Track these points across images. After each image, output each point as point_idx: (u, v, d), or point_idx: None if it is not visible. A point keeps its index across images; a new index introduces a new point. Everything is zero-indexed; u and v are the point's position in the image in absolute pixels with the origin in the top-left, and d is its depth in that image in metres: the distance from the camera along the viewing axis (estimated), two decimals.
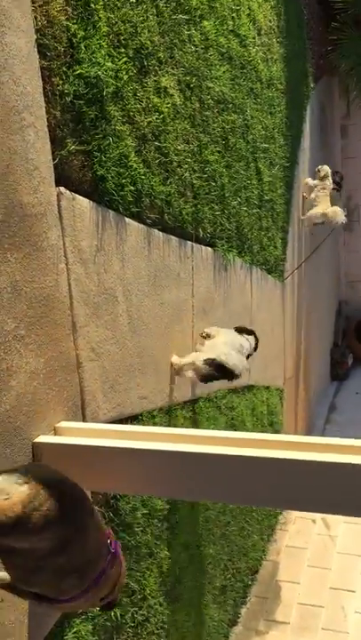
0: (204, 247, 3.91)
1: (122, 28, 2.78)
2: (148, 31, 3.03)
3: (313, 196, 6.62)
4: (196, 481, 2.14)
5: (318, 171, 6.64)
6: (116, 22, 2.74)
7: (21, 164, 2.09)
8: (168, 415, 3.45)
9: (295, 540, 5.73)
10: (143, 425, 3.07)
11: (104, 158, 2.62)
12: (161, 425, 3.30)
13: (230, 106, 4.30)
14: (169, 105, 3.27)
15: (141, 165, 2.97)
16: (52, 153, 2.29)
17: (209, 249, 4.01)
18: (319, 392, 8.44)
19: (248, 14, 4.76)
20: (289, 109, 5.98)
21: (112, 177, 2.69)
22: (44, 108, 2.23)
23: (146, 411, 3.15)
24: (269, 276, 5.60)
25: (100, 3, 2.58)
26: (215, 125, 4.01)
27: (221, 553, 4.40)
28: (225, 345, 3.56)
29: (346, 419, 8.16)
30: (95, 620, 2.65)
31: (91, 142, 2.54)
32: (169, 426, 3.41)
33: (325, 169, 6.62)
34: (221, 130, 4.13)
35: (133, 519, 2.97)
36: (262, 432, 5.27)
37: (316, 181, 6.65)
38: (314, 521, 5.86)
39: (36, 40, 2.18)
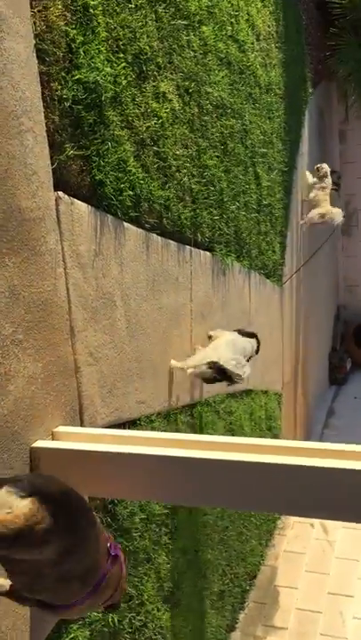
0: (202, 252, 3.91)
1: (121, 33, 2.79)
2: (147, 36, 3.04)
3: (312, 195, 6.58)
4: (194, 486, 2.13)
5: (318, 169, 6.58)
6: (115, 27, 2.75)
7: (20, 169, 2.09)
8: (166, 420, 3.44)
9: (293, 544, 5.72)
10: (141, 430, 3.06)
11: (103, 163, 2.62)
12: (159, 430, 3.30)
13: (229, 111, 4.31)
14: (168, 110, 3.27)
15: (140, 170, 2.97)
16: (51, 158, 2.29)
17: (207, 253, 4.01)
18: (318, 396, 8.43)
19: (247, 20, 4.77)
20: (287, 114, 6.00)
21: (111, 181, 2.69)
22: (42, 113, 2.23)
23: (144, 415, 3.15)
24: (268, 280, 5.61)
25: (99, 8, 2.59)
26: (214, 130, 4.02)
27: (220, 558, 4.39)
28: (228, 345, 3.59)
29: (344, 423, 8.16)
30: (92, 625, 2.64)
31: (89, 147, 2.54)
32: (167, 430, 3.41)
33: (325, 167, 6.55)
34: (220, 135, 4.14)
35: (131, 524, 2.96)
36: (260, 437, 5.26)
37: (315, 179, 6.61)
38: (312, 525, 5.85)
39: (35, 45, 2.19)
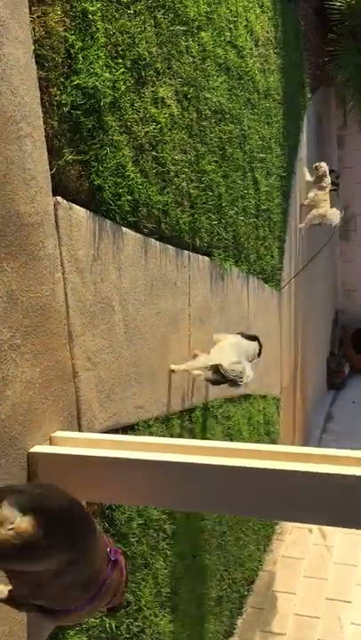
0: (200, 256, 3.91)
1: (120, 38, 2.80)
2: (146, 42, 3.05)
3: (311, 195, 6.56)
4: (192, 492, 2.13)
5: (316, 168, 6.53)
6: (114, 33, 2.76)
7: (18, 174, 2.09)
8: (164, 425, 3.44)
9: (291, 550, 5.71)
10: (139, 435, 3.06)
11: (101, 168, 2.63)
12: (157, 434, 3.29)
13: (228, 116, 4.32)
14: (166, 115, 3.28)
15: (139, 175, 2.98)
16: (50, 163, 2.30)
17: (206, 258, 4.01)
18: (316, 401, 8.43)
19: (245, 25, 4.79)
20: (286, 120, 6.01)
21: (109, 187, 2.70)
22: (41, 119, 2.24)
23: (142, 420, 3.15)
24: (266, 285, 5.61)
25: (98, 14, 2.60)
26: (212, 135, 4.03)
27: (217, 563, 4.38)
28: (232, 348, 3.63)
29: (343, 428, 8.15)
30: (90, 631, 2.63)
31: (88, 152, 2.54)
32: (165, 435, 3.41)
33: (323, 166, 6.50)
34: (219, 140, 4.15)
35: (129, 529, 2.96)
36: (259, 441, 5.26)
37: (312, 178, 6.58)
38: (310, 531, 5.84)
39: (34, 51, 2.19)
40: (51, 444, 2.30)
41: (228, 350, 3.62)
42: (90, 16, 2.53)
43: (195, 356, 3.66)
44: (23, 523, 1.63)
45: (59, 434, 2.34)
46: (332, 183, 6.87)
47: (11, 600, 1.91)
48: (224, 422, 4.50)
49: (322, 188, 6.50)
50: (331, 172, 6.94)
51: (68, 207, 2.42)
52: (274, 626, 4.90)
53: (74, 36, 2.43)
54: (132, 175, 2.90)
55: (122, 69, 2.80)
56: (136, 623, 3.05)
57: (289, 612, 5.00)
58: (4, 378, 2.04)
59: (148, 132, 3.06)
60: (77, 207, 2.49)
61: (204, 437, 4.04)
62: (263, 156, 5.24)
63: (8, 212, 2.04)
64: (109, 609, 2.13)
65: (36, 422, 2.23)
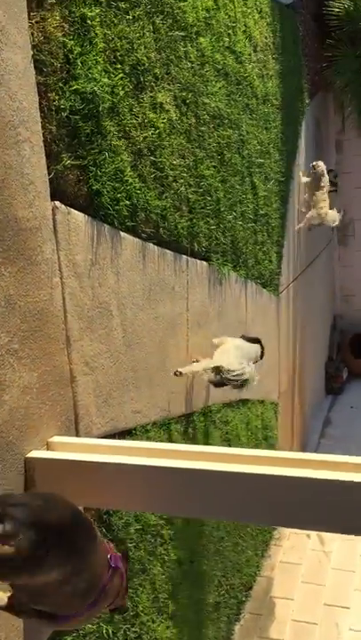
0: (199, 261, 3.91)
1: (118, 44, 2.80)
2: (145, 47, 3.06)
3: (305, 196, 6.50)
4: (190, 497, 2.12)
5: (313, 167, 6.41)
6: (113, 39, 2.76)
7: (17, 179, 2.09)
8: (162, 429, 3.43)
9: (289, 555, 5.69)
10: (137, 439, 3.05)
11: (99, 173, 2.63)
12: (155, 439, 3.29)
13: (226, 121, 4.33)
14: (165, 120, 3.29)
15: (137, 180, 2.98)
16: (48, 167, 2.30)
17: (204, 263, 4.01)
18: (314, 406, 8.42)
19: (244, 31, 4.81)
20: (284, 125, 6.03)
21: (107, 191, 2.70)
22: (39, 123, 2.24)
23: (140, 425, 3.14)
24: (264, 289, 5.61)
25: (97, 19, 2.61)
26: (211, 140, 4.04)
27: (215, 569, 4.37)
28: (236, 350, 3.67)
29: (341, 433, 8.14)
30: (87, 637, 2.62)
31: (86, 157, 2.55)
32: (163, 440, 3.40)
33: (320, 165, 6.39)
34: (217, 145, 4.15)
35: (126, 535, 2.95)
36: (257, 446, 5.25)
37: (308, 179, 6.54)
38: (308, 536, 5.82)
39: (33, 56, 2.20)
40: (48, 450, 2.30)
41: (232, 353, 3.67)
42: (88, 21, 2.54)
43: (195, 362, 3.69)
44: (27, 537, 1.63)
45: (56, 439, 2.33)
46: (332, 183, 6.82)
47: (10, 607, 1.92)
48: (222, 427, 4.49)
49: (320, 188, 6.43)
50: (329, 171, 6.90)
51: (66, 212, 2.42)
52: (272, 632, 4.88)
53: (72, 42, 2.43)
54: (131, 180, 2.90)
55: (120, 75, 2.80)
56: (133, 629, 3.04)
57: (287, 617, 4.99)
58: (1, 383, 2.03)
59: (146, 137, 3.07)
60: (75, 212, 2.49)
61: (202, 442, 4.03)
62: (262, 160, 5.25)
63: (6, 216, 2.04)
64: (112, 609, 2.16)
65: (34, 427, 2.22)
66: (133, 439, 3.03)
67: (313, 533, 5.78)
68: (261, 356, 4.09)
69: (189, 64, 3.65)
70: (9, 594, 1.90)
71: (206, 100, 3.93)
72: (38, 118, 2.23)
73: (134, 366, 3.04)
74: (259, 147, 5.18)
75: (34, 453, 2.20)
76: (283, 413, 6.53)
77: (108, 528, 2.79)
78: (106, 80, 2.66)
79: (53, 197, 2.35)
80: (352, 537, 5.24)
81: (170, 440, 3.51)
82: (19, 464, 2.14)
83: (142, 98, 3.05)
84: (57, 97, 2.36)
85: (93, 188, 2.60)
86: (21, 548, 1.61)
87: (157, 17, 3.21)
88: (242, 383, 3.65)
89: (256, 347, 4.03)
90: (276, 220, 5.84)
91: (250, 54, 4.94)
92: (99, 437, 2.69)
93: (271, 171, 5.59)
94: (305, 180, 6.58)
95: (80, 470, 2.18)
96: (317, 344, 8.64)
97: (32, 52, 2.19)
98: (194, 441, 3.92)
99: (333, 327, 9.70)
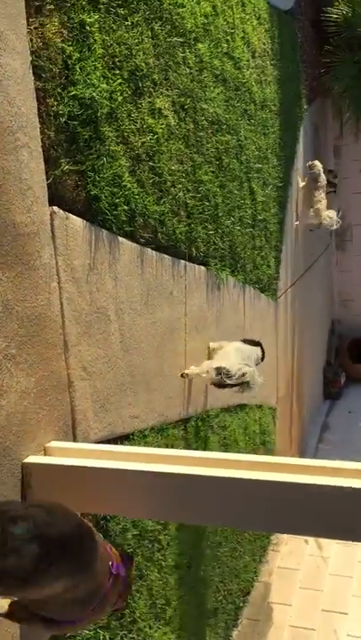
0: (197, 266, 3.92)
1: (117, 50, 2.81)
2: (143, 53, 3.07)
3: (302, 189, 6.48)
4: (188, 503, 2.12)
5: (310, 167, 6.39)
6: (112, 44, 2.77)
7: (15, 184, 2.10)
8: (160, 435, 3.43)
9: (287, 560, 5.68)
10: (135, 444, 3.05)
11: (98, 178, 2.63)
12: (153, 444, 3.28)
13: (224, 127, 4.34)
14: (163, 126, 3.29)
15: (135, 185, 2.99)
16: (46, 173, 2.30)
17: (202, 268, 4.02)
18: (312, 411, 8.42)
19: (242, 37, 4.83)
20: (282, 130, 6.04)
21: (106, 196, 2.71)
22: (38, 129, 2.24)
23: (137, 430, 3.13)
24: (262, 294, 5.62)
25: (96, 25, 2.62)
26: (209, 146, 4.05)
27: (213, 574, 4.36)
28: (236, 352, 3.71)
29: (339, 438, 8.13)
30: None
31: (85, 162, 2.55)
32: (161, 446, 3.40)
33: (317, 164, 6.36)
34: (215, 150, 4.16)
35: (124, 540, 2.94)
36: (254, 451, 5.24)
37: (304, 183, 6.52)
38: (306, 541, 5.81)
39: (32, 62, 2.20)
40: (45, 455, 2.29)
41: (232, 355, 3.70)
42: (87, 27, 2.55)
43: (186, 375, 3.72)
44: (30, 551, 1.62)
45: (53, 444, 2.33)
46: (331, 184, 6.80)
47: (11, 614, 1.92)
48: (220, 432, 4.49)
49: (317, 188, 6.41)
50: (329, 172, 6.88)
51: (64, 217, 2.43)
52: (269, 638, 4.87)
53: (71, 48, 2.44)
54: (129, 185, 2.91)
55: (119, 80, 2.81)
56: (130, 635, 3.03)
57: (285, 623, 4.97)
58: None
59: (144, 142, 3.07)
60: (74, 217, 2.50)
61: (199, 447, 4.02)
62: (260, 166, 5.26)
63: (4, 221, 2.04)
64: (113, 610, 2.19)
65: (31, 432, 2.22)
66: (131, 444, 3.03)
67: (311, 539, 5.77)
68: (262, 359, 4.12)
69: (188, 70, 3.66)
70: (10, 601, 1.90)
71: (205, 106, 3.95)
72: (37, 124, 2.24)
73: (132, 371, 3.03)
74: (257, 152, 5.19)
75: (31, 459, 2.19)
76: (281, 418, 6.53)
77: (105, 534, 2.78)
78: (104, 86, 2.67)
79: (51, 202, 2.35)
80: (350, 542, 5.24)
81: (167, 445, 3.51)
82: (15, 469, 2.14)
83: (141, 103, 3.06)
84: (55, 102, 2.36)
85: (92, 193, 2.61)
86: (24, 562, 1.61)
87: (156, 23, 3.22)
88: (243, 383, 3.69)
89: (256, 349, 4.06)
90: (275, 225, 5.85)
91: (248, 60, 4.96)
92: (96, 442, 2.69)
93: (269, 176, 5.60)
94: (303, 184, 6.59)
95: (77, 476, 2.18)
96: (316, 349, 8.65)
97: (31, 58, 2.20)
98: (191, 446, 3.92)
99: (332, 332, 9.70)
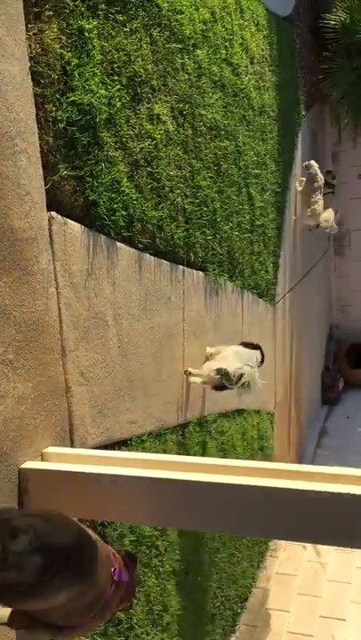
0: (195, 271, 3.92)
1: (116, 56, 2.82)
2: (142, 59, 3.08)
3: (300, 188, 6.48)
4: (185, 509, 2.11)
5: (306, 167, 6.40)
6: (110, 51, 2.78)
7: (13, 189, 2.10)
8: (158, 440, 3.42)
9: (285, 566, 5.66)
10: (132, 450, 3.04)
11: (96, 183, 2.64)
12: (150, 450, 3.28)
13: (223, 132, 4.35)
14: (162, 131, 3.30)
15: (133, 191, 2.99)
16: (44, 178, 2.31)
17: (200, 273, 4.02)
18: (310, 416, 8.41)
19: (241, 43, 4.84)
20: (281, 136, 6.06)
21: (104, 202, 2.71)
22: (36, 135, 2.25)
23: (135, 435, 3.13)
24: (260, 299, 5.62)
25: (95, 31, 2.62)
26: (207, 151, 4.06)
27: (210, 580, 4.34)
28: (235, 355, 3.72)
29: (337, 443, 8.13)
30: None
31: (83, 168, 2.55)
32: (158, 451, 3.39)
33: (313, 164, 6.37)
34: (214, 156, 4.17)
35: (121, 546, 2.93)
36: (252, 457, 5.23)
37: (301, 187, 6.53)
38: (304, 547, 5.80)
39: (30, 68, 2.21)
40: (42, 460, 2.29)
41: (231, 359, 3.72)
42: (86, 34, 2.55)
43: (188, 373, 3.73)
44: (33, 563, 1.62)
45: (50, 449, 2.32)
46: (329, 184, 6.81)
47: (13, 623, 1.91)
48: (218, 437, 4.48)
49: (315, 189, 6.42)
50: (328, 172, 6.89)
51: (62, 222, 2.43)
52: None
53: (70, 54, 2.45)
54: (127, 191, 2.91)
55: (118, 86, 2.82)
56: None
57: (282, 629, 4.95)
58: None
59: (143, 147, 3.08)
60: (72, 222, 2.50)
61: (197, 453, 4.02)
62: (258, 172, 5.27)
63: (2, 227, 2.04)
64: (120, 610, 2.21)
65: (28, 438, 2.22)
66: (129, 450, 3.02)
67: (309, 545, 5.75)
68: (262, 362, 4.13)
69: (186, 76, 3.68)
70: (10, 610, 1.89)
71: (203, 112, 3.96)
72: (35, 129, 2.24)
73: (130, 376, 3.03)
74: (255, 158, 5.20)
75: (28, 464, 2.19)
76: (279, 423, 6.52)
77: (102, 539, 2.76)
78: (103, 92, 2.67)
79: (50, 208, 2.35)
80: (348, 548, 5.22)
81: (165, 450, 3.50)
82: (12, 475, 2.13)
83: (139, 109, 3.07)
84: (54, 108, 2.37)
85: (90, 198, 2.61)
86: (27, 575, 1.60)
87: (155, 29, 3.23)
88: (243, 384, 3.70)
89: (256, 352, 4.07)
90: (273, 230, 5.86)
91: (247, 66, 4.98)
92: (94, 448, 2.68)
93: (268, 182, 5.62)
94: (300, 188, 6.62)
95: (74, 481, 2.17)
96: (314, 354, 8.65)
97: (29, 64, 2.20)
98: (189, 451, 3.91)
99: (330, 337, 9.71)
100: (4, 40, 2.04)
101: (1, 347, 2.05)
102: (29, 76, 2.20)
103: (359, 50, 7.35)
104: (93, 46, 2.61)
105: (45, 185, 2.31)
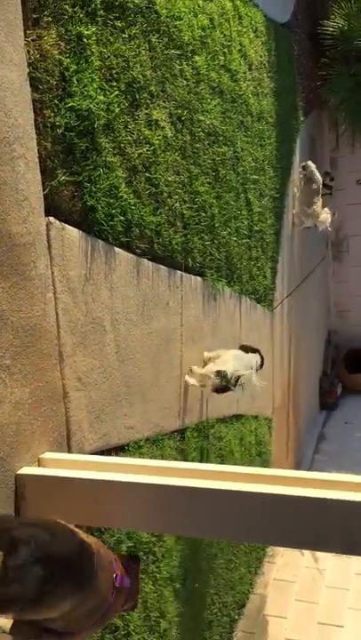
0: (193, 276, 3.92)
1: (114, 62, 2.83)
2: (141, 65, 3.09)
3: (297, 192, 6.52)
4: (183, 516, 2.11)
5: (303, 168, 6.42)
6: (109, 56, 2.79)
7: (11, 195, 2.10)
8: (155, 445, 3.42)
9: (283, 572, 5.65)
10: (130, 455, 3.04)
11: (94, 189, 2.64)
12: (148, 455, 3.27)
13: (221, 138, 4.36)
14: (160, 137, 3.31)
15: (132, 196, 2.99)
16: (43, 183, 2.31)
17: (198, 278, 4.02)
18: (308, 421, 8.41)
19: (239, 50, 4.86)
20: (279, 142, 6.08)
21: (102, 207, 2.71)
22: (35, 140, 2.25)
23: (133, 441, 3.12)
24: (259, 305, 5.62)
25: (93, 37, 2.63)
26: (206, 157, 4.06)
27: (208, 587, 4.33)
28: (235, 359, 3.76)
29: (335, 449, 8.12)
30: None
31: (81, 173, 2.56)
32: (156, 456, 3.38)
33: (310, 165, 6.39)
34: (212, 161, 4.18)
35: (118, 552, 2.91)
36: (251, 462, 5.23)
37: (299, 192, 6.56)
38: (302, 553, 5.78)
39: (29, 73, 2.21)
40: (39, 466, 2.28)
41: (232, 362, 3.75)
42: (85, 40, 2.56)
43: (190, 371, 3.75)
44: (34, 574, 1.61)
45: (48, 455, 2.32)
46: (326, 186, 6.85)
47: (16, 634, 1.91)
48: (216, 443, 4.48)
49: (313, 190, 6.44)
50: (326, 174, 6.93)
51: (60, 227, 2.43)
52: None
53: (68, 59, 2.46)
54: (126, 196, 2.91)
55: (116, 92, 2.82)
56: None
57: (280, 636, 4.93)
58: None
59: (141, 153, 3.09)
60: (70, 227, 2.50)
61: (195, 458, 4.01)
62: (256, 177, 5.28)
63: (0, 232, 2.04)
64: (124, 610, 2.23)
65: (25, 443, 2.21)
66: (126, 455, 3.01)
67: (306, 551, 5.74)
68: (261, 365, 4.15)
69: (185, 82, 3.69)
70: (11, 620, 1.89)
71: (201, 118, 3.97)
72: (33, 135, 2.25)
73: (127, 382, 3.03)
74: (253, 163, 5.21)
75: (25, 470, 2.18)
76: (277, 429, 6.52)
77: None
78: (101, 97, 2.68)
79: (48, 213, 2.35)
80: (346, 555, 5.21)
81: (163, 456, 3.49)
82: (9, 480, 2.12)
83: (138, 115, 3.08)
84: (52, 114, 2.37)
85: (88, 203, 2.61)
86: (28, 587, 1.60)
87: (153, 35, 3.24)
88: (240, 385, 3.73)
89: (255, 356, 4.09)
90: (271, 235, 5.86)
91: (245, 72, 4.99)
92: (91, 453, 2.68)
93: (266, 187, 5.63)
94: (298, 193, 6.64)
95: (71, 487, 2.17)
96: (312, 359, 8.65)
97: (28, 70, 2.21)
98: (187, 457, 3.90)
99: (328, 342, 9.72)
100: (2, 46, 2.05)
101: None
102: (28, 82, 2.21)
103: (357, 56, 7.39)
104: (92, 52, 2.62)
105: (43, 190, 2.31)
